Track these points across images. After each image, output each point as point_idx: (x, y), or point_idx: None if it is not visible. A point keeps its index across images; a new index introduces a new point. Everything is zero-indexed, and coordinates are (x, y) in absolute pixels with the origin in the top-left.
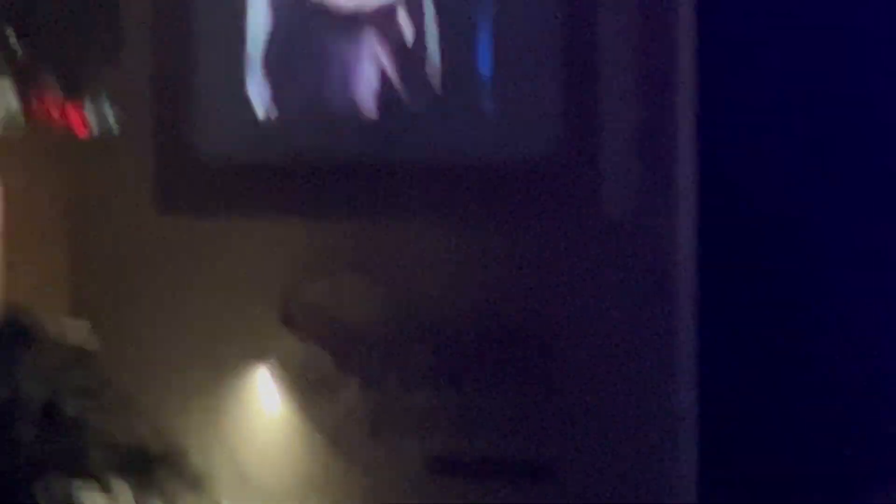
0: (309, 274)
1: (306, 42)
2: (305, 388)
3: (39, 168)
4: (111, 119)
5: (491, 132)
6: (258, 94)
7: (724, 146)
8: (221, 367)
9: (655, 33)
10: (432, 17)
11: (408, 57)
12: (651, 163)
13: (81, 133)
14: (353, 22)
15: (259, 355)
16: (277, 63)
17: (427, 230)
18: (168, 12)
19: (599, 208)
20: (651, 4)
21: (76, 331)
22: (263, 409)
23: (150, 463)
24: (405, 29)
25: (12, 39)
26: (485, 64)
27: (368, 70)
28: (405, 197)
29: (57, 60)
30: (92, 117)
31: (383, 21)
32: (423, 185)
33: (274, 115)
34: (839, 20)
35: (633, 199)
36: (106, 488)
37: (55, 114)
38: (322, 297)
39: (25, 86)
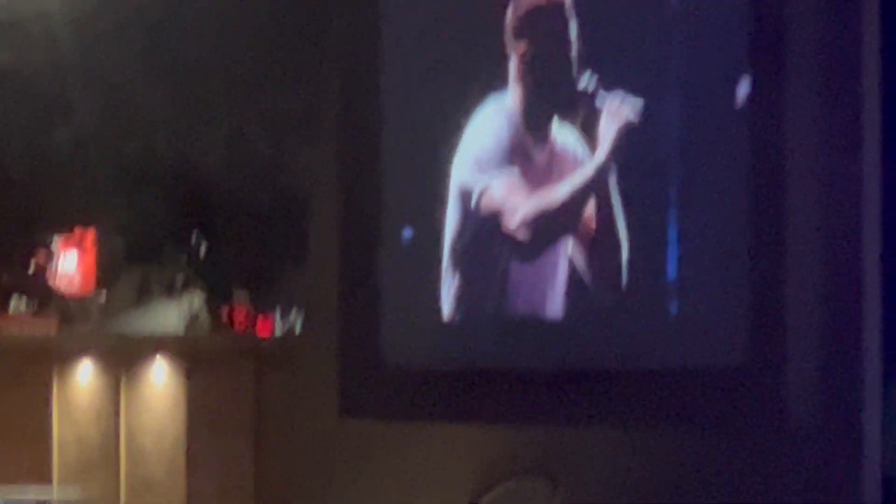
0: (492, 481)
1: (492, 242)
2: None
3: (225, 369)
4: (297, 323)
5: (676, 336)
6: (444, 298)
7: None
8: None
9: (841, 243)
10: (621, 213)
11: (594, 254)
12: (838, 371)
13: (267, 337)
14: (538, 221)
15: None
16: (463, 265)
17: (609, 436)
18: (353, 219)
19: (786, 420)
20: (837, 214)
21: None
22: None
23: None
24: (592, 226)
25: (203, 249)
26: (672, 265)
27: (555, 269)
28: (587, 401)
29: (246, 271)
30: (278, 323)
31: (570, 218)
32: (606, 390)
33: (459, 318)
34: None
35: (820, 411)
36: None
37: (242, 319)
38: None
39: (215, 292)
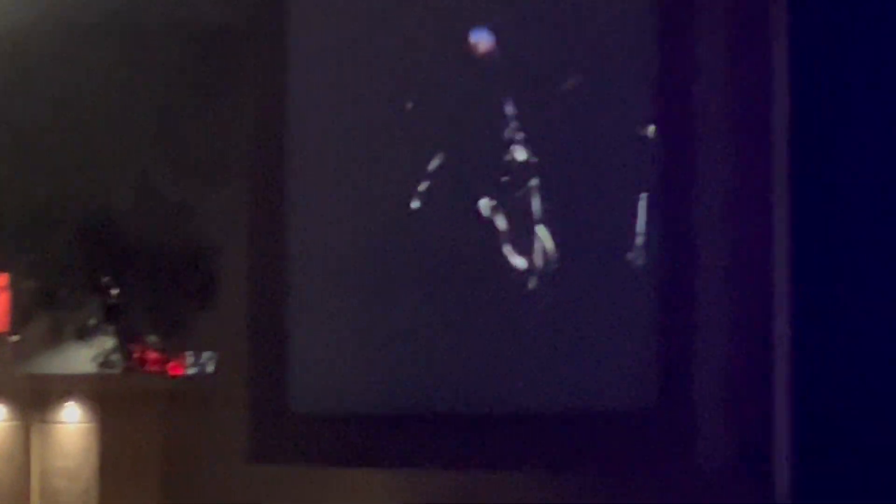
0: None
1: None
2: None
3: (136, 409)
4: (208, 367)
5: (586, 379)
6: (353, 345)
7: (819, 394)
8: None
9: (752, 284)
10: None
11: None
12: (748, 414)
13: (178, 375)
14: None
15: None
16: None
17: (520, 479)
18: (263, 263)
19: (697, 463)
20: (748, 256)
21: None
22: None
23: None
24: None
25: (114, 291)
26: (582, 309)
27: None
28: (498, 445)
29: (157, 315)
30: (189, 365)
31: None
32: (516, 434)
33: (367, 367)
34: None
35: (730, 452)
36: None
37: (153, 360)
38: None
39: (126, 333)
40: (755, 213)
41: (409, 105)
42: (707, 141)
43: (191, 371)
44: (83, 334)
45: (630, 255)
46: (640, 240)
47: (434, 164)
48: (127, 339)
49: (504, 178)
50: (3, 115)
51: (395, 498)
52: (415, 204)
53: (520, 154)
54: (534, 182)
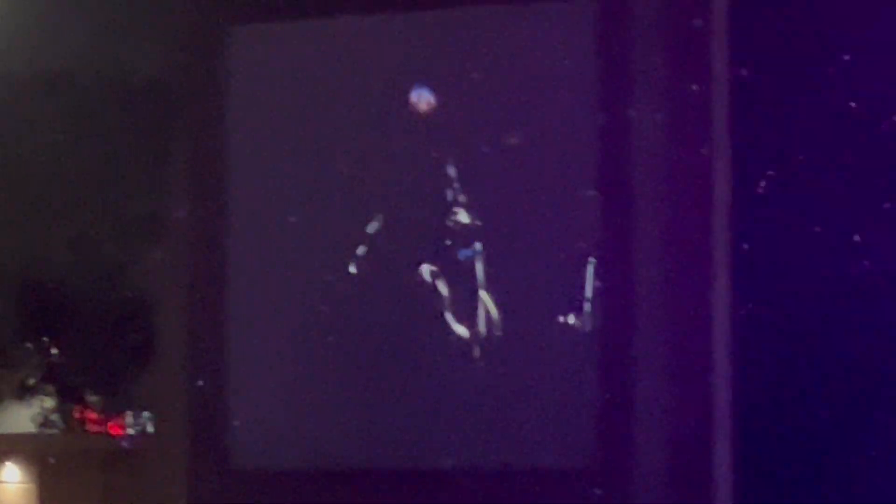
0: None
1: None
2: None
3: (76, 469)
4: (148, 426)
5: (530, 441)
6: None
7: (760, 453)
8: None
9: (693, 364)
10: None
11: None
12: (685, 473)
13: (119, 436)
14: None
15: None
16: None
17: None
18: (203, 320)
19: None
20: (686, 313)
21: None
22: None
23: None
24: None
25: (54, 350)
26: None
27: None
28: (435, 501)
29: (96, 373)
30: (129, 425)
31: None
32: (452, 490)
33: (308, 424)
34: None
35: None
36: None
37: (93, 419)
38: None
39: (65, 393)
40: (698, 277)
41: (348, 165)
42: (652, 204)
43: (131, 431)
44: (22, 393)
45: (575, 321)
46: (586, 305)
47: (373, 226)
48: (67, 399)
49: (446, 243)
50: None
51: None
52: (353, 268)
53: (462, 217)
54: (477, 246)
